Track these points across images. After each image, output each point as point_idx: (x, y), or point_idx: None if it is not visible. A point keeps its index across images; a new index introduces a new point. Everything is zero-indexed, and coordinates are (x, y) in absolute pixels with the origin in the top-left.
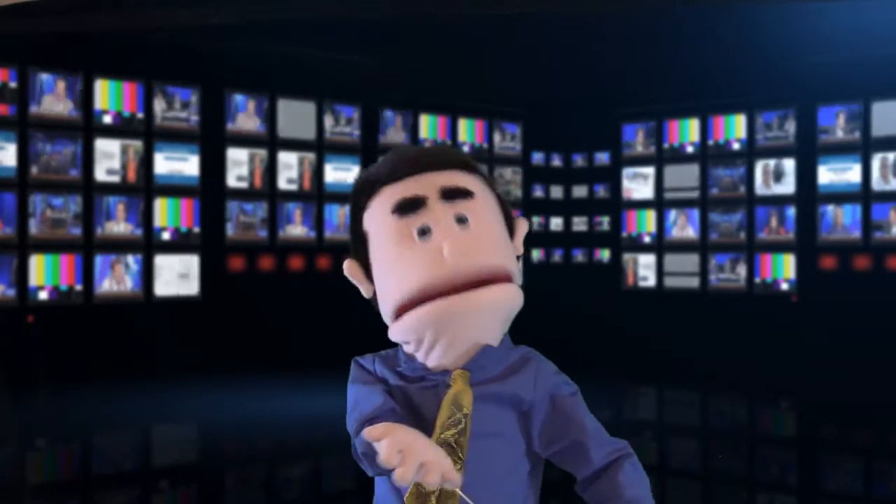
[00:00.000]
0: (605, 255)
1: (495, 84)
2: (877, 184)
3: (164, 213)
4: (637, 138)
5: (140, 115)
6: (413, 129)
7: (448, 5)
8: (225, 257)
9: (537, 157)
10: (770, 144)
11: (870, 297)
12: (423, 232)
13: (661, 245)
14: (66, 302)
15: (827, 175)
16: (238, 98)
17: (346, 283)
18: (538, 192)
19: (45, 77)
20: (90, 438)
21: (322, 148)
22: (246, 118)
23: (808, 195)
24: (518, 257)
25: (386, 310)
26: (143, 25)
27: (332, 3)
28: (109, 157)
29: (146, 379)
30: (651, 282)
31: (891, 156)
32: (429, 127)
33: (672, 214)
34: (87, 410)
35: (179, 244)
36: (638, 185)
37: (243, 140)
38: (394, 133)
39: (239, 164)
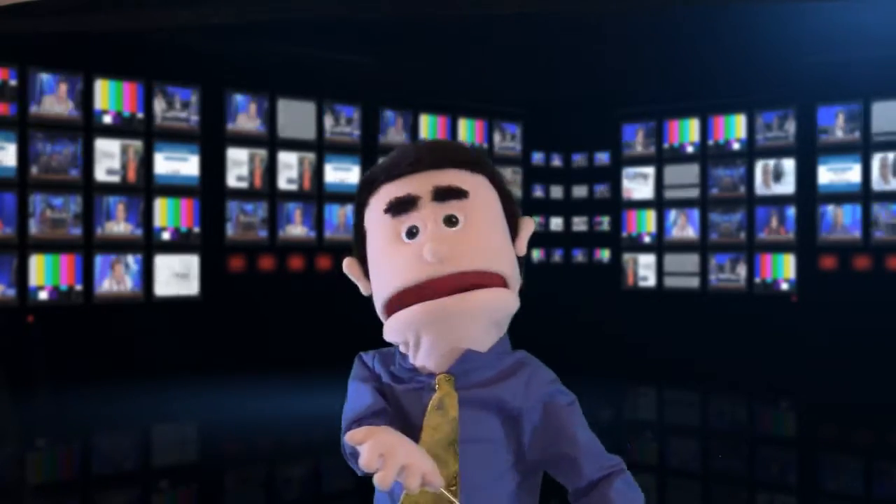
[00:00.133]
0: (605, 255)
1: (495, 84)
2: (877, 184)
3: (164, 213)
4: (637, 138)
5: (140, 115)
6: (413, 129)
7: (448, 5)
8: (225, 257)
9: (537, 157)
10: (770, 144)
11: (870, 297)
12: (411, 233)
13: (661, 245)
14: (66, 302)
15: (827, 175)
16: (238, 98)
17: (346, 282)
18: (538, 192)
19: (45, 77)
20: (90, 438)
21: (322, 148)
22: (246, 119)
23: (808, 195)
24: (520, 258)
25: (377, 309)
26: (143, 25)
27: (332, 3)
28: (109, 157)
29: (146, 379)
30: (651, 282)
31: (890, 155)
32: (429, 127)
33: (672, 214)
34: (87, 410)
35: (179, 244)
36: (638, 185)
37: (243, 140)
38: (394, 133)
39: (239, 164)
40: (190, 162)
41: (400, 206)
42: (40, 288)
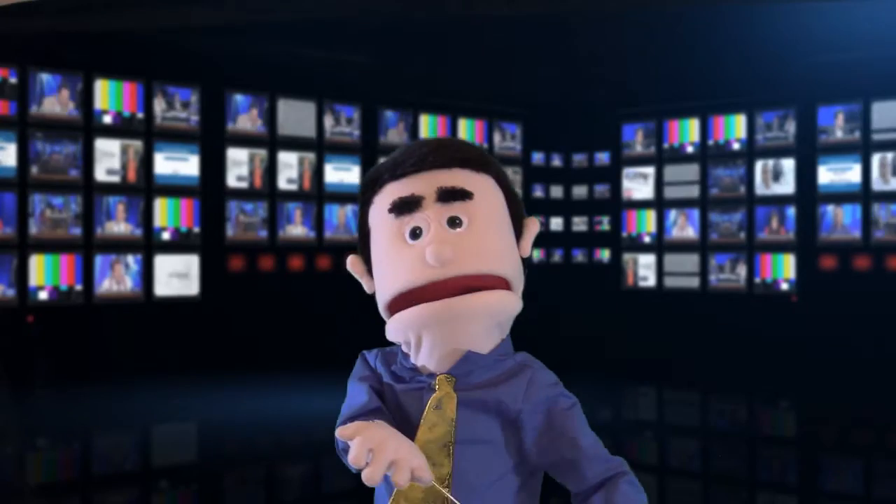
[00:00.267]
0: (605, 255)
1: (495, 84)
2: (877, 184)
3: (164, 213)
4: (637, 138)
5: (140, 115)
6: (413, 129)
7: (448, 5)
8: (225, 257)
9: (537, 157)
10: (770, 144)
11: (870, 297)
12: (415, 233)
13: (661, 245)
14: (66, 302)
15: (827, 175)
16: (238, 98)
17: (346, 283)
18: (538, 192)
19: (45, 78)
20: (90, 438)
21: (322, 148)
22: (246, 119)
23: (808, 195)
24: (524, 259)
25: (379, 308)
26: (143, 25)
27: (332, 3)
28: (109, 157)
29: (146, 379)
30: (651, 282)
31: (890, 155)
32: (429, 127)
33: (672, 214)
34: (87, 410)
35: (179, 244)
36: (638, 185)
37: (243, 140)
38: (394, 133)
39: (239, 164)
40: (190, 162)
41: (404, 207)
42: (40, 288)
